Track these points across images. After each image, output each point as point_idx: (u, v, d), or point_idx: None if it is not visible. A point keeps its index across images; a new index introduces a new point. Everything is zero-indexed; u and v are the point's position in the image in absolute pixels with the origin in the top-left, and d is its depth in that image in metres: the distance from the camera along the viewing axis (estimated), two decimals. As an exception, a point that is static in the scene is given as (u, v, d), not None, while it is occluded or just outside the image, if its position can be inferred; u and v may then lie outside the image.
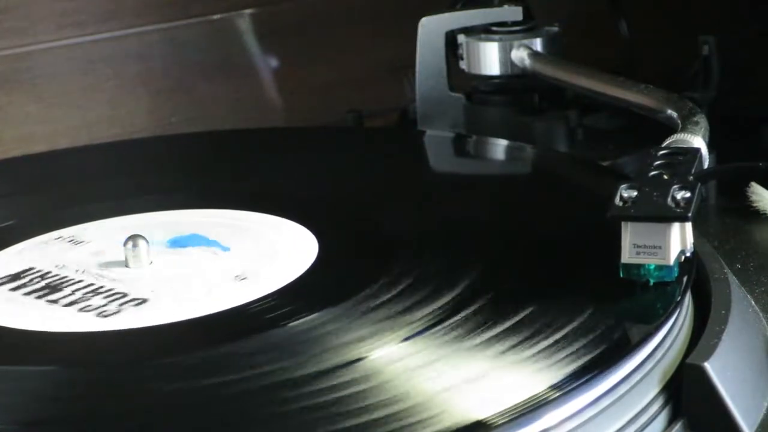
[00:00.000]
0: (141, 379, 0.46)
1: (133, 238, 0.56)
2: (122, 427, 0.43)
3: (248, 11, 0.91)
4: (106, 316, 0.51)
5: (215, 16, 0.90)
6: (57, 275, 0.55)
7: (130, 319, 0.50)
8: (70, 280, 0.55)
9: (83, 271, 0.56)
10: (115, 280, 0.54)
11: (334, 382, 0.43)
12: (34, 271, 0.56)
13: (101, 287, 0.54)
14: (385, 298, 0.50)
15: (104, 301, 0.52)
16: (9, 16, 0.84)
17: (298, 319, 0.48)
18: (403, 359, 0.45)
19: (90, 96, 0.88)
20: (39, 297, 0.53)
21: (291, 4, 0.92)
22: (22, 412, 0.44)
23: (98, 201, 0.65)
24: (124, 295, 0.53)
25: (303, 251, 0.56)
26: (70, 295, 0.53)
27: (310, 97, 0.92)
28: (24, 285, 0.55)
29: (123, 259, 0.56)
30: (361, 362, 0.45)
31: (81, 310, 0.51)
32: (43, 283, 0.55)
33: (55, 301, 0.53)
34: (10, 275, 0.56)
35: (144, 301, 0.52)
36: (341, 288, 0.51)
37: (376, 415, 0.41)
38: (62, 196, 0.67)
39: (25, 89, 0.86)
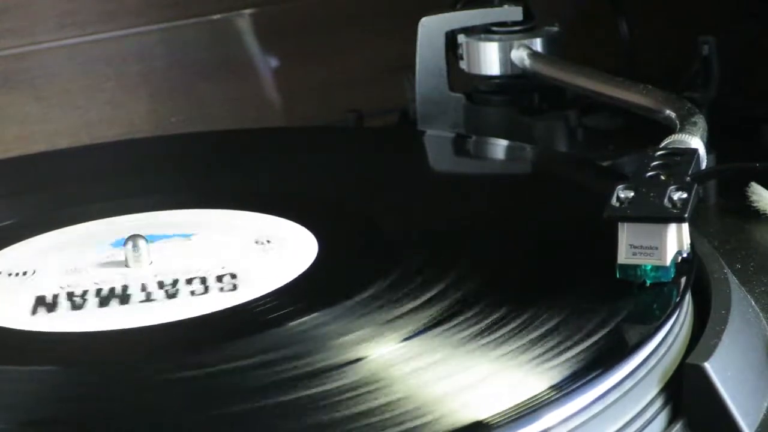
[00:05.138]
0: (140, 379, 0.46)
1: (133, 238, 0.56)
2: (122, 427, 0.43)
3: (248, 11, 0.91)
4: (227, 291, 0.52)
5: (215, 16, 0.90)
6: (82, 289, 0.54)
7: (247, 293, 0.51)
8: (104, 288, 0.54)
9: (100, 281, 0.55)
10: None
11: (334, 382, 0.43)
12: (57, 292, 0.54)
13: (164, 280, 0.54)
14: (384, 298, 0.50)
15: (201, 287, 0.53)
16: (9, 16, 0.85)
17: (297, 319, 0.48)
18: (403, 359, 0.45)
19: (90, 96, 0.88)
20: (103, 305, 0.52)
21: (291, 4, 0.92)
22: (22, 412, 0.44)
23: (98, 201, 0.65)
24: (222, 275, 0.54)
25: (303, 251, 0.56)
26: (139, 292, 0.53)
27: (310, 97, 0.92)
28: (71, 304, 0.53)
29: (123, 258, 0.56)
30: (360, 362, 0.45)
31: (192, 294, 0.52)
32: (88, 296, 0.53)
33: (126, 302, 0.52)
34: (42, 303, 0.53)
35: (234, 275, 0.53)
36: (341, 288, 0.51)
37: (375, 414, 0.41)
38: (62, 196, 0.67)
39: (25, 89, 0.86)
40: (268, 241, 0.57)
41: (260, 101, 0.93)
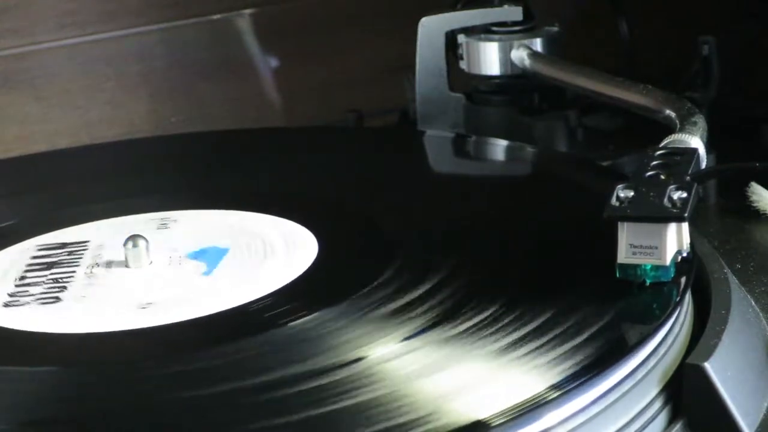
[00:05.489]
0: (140, 379, 0.46)
1: (133, 238, 0.56)
2: (122, 427, 0.43)
3: (248, 11, 0.91)
4: (7, 306, 0.52)
5: (215, 16, 0.90)
6: (77, 255, 0.57)
7: (24, 315, 0.51)
8: (67, 262, 0.57)
9: (88, 256, 0.57)
10: (90, 275, 0.55)
11: (334, 382, 0.43)
12: (80, 245, 0.59)
13: (68, 278, 0.55)
14: (384, 298, 0.50)
15: (36, 291, 0.53)
16: (9, 16, 0.84)
17: (297, 318, 0.48)
18: (403, 359, 0.45)
19: (90, 96, 0.88)
20: (29, 270, 0.56)
21: (291, 4, 0.92)
22: (22, 412, 0.44)
23: (98, 201, 0.65)
24: (62, 289, 0.54)
25: (303, 251, 0.56)
26: (37, 278, 0.55)
27: (310, 97, 0.92)
28: (49, 257, 0.58)
29: (123, 259, 0.56)
30: (360, 362, 0.45)
31: (9, 294, 0.53)
32: (53, 260, 0.57)
33: (21, 279, 0.55)
34: (61, 243, 0.59)
35: (56, 300, 0.53)
36: (341, 288, 0.51)
37: (375, 414, 0.41)
38: (62, 196, 0.67)
39: (25, 89, 0.86)
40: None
41: (260, 101, 0.93)
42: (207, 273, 0.55)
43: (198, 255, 0.57)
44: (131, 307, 0.52)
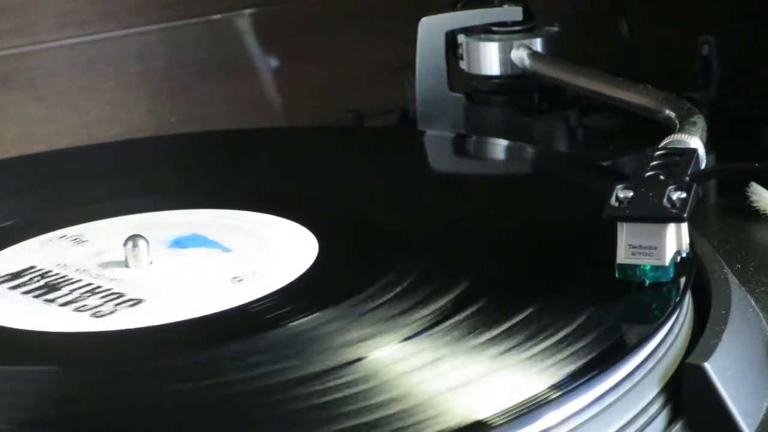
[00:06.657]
0: (140, 379, 0.46)
1: (133, 238, 0.56)
2: (122, 427, 0.43)
3: (248, 11, 0.91)
4: (100, 317, 0.51)
5: (215, 16, 0.90)
6: (57, 274, 0.56)
7: (124, 320, 0.50)
8: (69, 279, 0.55)
9: (83, 271, 0.56)
10: (114, 279, 0.54)
11: (334, 383, 0.43)
12: (36, 269, 0.56)
13: (99, 287, 0.54)
14: (384, 298, 0.50)
15: (100, 301, 0.52)
16: (9, 16, 0.84)
17: (298, 319, 0.48)
18: (403, 359, 0.45)
19: (90, 96, 0.88)
20: (37, 296, 0.53)
21: (291, 4, 0.92)
22: (22, 412, 0.44)
23: (98, 201, 0.65)
24: (121, 295, 0.53)
25: (303, 251, 0.56)
26: (67, 294, 0.53)
27: (310, 97, 0.92)
28: (23, 284, 0.55)
29: (123, 259, 0.56)
30: (360, 362, 0.45)
31: (76, 309, 0.52)
32: (42, 282, 0.55)
33: (51, 301, 0.53)
34: (10, 273, 0.56)
35: (139, 301, 0.52)
36: (341, 288, 0.51)
37: (375, 415, 0.41)
38: (62, 196, 0.67)
39: (25, 89, 0.86)
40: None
41: (260, 101, 0.93)
42: (227, 250, 0.56)
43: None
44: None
